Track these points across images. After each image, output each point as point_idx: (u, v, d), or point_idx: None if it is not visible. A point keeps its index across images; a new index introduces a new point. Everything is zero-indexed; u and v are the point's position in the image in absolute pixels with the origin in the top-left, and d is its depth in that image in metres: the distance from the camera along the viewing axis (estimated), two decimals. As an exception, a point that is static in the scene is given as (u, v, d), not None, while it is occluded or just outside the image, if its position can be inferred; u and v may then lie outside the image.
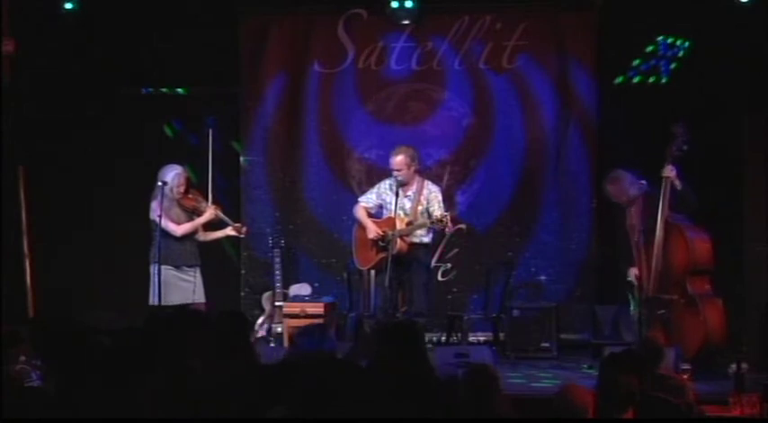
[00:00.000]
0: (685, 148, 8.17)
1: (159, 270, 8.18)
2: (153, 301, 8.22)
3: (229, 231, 8.62)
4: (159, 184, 8.40)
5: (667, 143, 8.21)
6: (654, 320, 8.18)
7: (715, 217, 8.64)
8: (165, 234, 8.31)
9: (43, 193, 10.03)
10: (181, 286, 8.28)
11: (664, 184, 8.16)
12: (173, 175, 8.38)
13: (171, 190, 8.35)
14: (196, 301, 8.27)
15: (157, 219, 8.27)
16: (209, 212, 8.45)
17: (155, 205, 8.34)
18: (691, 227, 8.28)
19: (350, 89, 10.20)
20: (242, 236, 8.69)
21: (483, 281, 9.81)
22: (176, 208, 8.42)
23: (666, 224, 8.19)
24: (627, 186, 8.43)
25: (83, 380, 4.48)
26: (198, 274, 8.45)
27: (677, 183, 8.17)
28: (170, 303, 8.14)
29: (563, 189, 10.04)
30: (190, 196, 8.48)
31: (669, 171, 8.15)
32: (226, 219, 8.60)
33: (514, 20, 10.02)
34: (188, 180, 8.52)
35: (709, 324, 8.12)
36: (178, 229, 8.37)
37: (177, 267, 8.38)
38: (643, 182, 8.43)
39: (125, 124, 10.17)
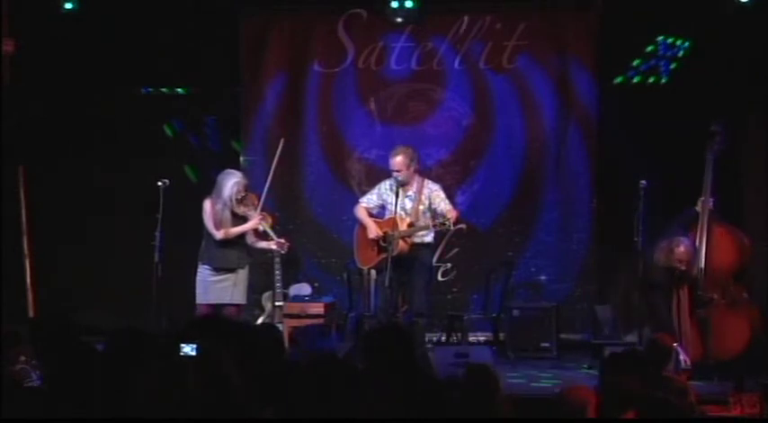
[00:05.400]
0: (725, 146, 8.11)
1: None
2: (197, 299, 8.29)
3: (272, 245, 8.50)
4: (159, 184, 8.44)
5: (707, 142, 8.16)
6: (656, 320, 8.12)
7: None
8: (210, 234, 8.32)
9: (43, 193, 10.03)
10: (216, 288, 8.26)
11: (701, 214, 8.07)
12: (232, 183, 8.31)
13: (230, 198, 8.28)
14: (232, 302, 8.25)
15: (204, 218, 8.30)
16: (253, 222, 8.35)
17: (205, 206, 8.34)
18: (736, 230, 8.24)
19: (350, 89, 10.21)
20: (282, 252, 8.57)
21: (483, 281, 9.81)
22: (226, 212, 8.34)
23: (710, 225, 8.09)
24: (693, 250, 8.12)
25: (81, 380, 4.47)
26: (238, 277, 8.33)
27: (716, 215, 8.12)
28: (206, 302, 8.19)
29: (563, 189, 10.04)
30: (245, 202, 8.41)
31: (708, 204, 8.09)
32: (269, 231, 8.45)
33: (514, 20, 10.02)
34: (246, 186, 8.43)
35: (755, 327, 8.05)
36: (218, 233, 8.30)
37: (215, 269, 8.34)
38: (644, 182, 8.35)
39: (125, 124, 10.17)
